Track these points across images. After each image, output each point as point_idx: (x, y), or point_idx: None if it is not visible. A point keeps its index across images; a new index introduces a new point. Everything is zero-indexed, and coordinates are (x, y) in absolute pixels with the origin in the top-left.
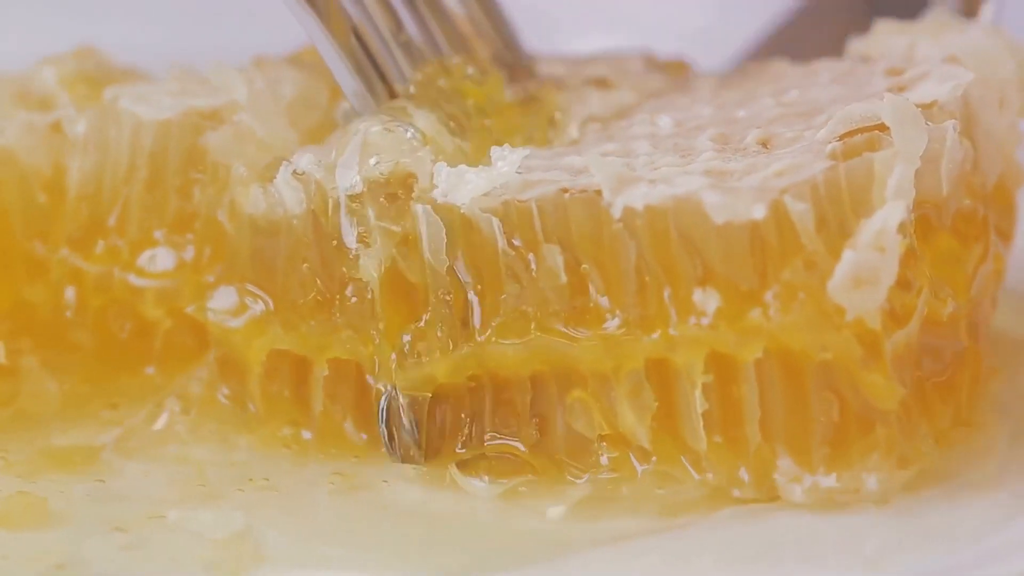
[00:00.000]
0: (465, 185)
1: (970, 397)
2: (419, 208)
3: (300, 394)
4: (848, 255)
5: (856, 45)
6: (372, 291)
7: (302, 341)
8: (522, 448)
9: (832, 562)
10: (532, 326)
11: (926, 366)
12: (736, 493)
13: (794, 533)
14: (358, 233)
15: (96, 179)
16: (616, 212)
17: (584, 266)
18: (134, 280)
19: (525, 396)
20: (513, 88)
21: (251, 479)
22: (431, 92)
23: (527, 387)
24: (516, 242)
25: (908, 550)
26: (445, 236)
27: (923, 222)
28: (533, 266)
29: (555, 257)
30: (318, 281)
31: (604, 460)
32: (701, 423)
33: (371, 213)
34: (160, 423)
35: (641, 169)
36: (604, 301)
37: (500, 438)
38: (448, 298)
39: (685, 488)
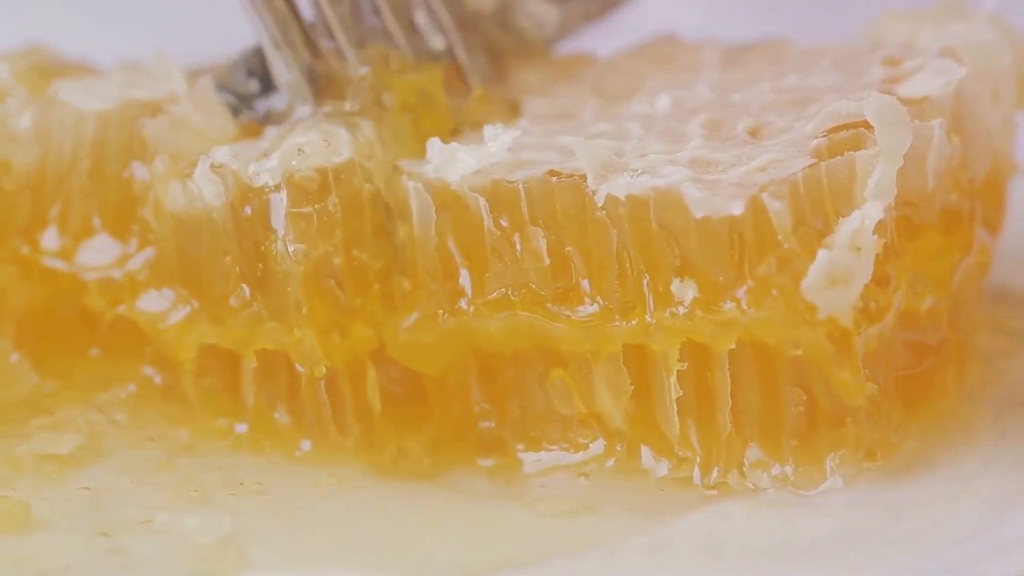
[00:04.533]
0: (456, 163)
1: (954, 388)
2: (410, 185)
3: (233, 387)
4: (823, 254)
5: (862, 28)
6: (293, 279)
7: (229, 335)
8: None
9: (818, 563)
10: (516, 305)
11: (904, 359)
12: (696, 479)
13: (779, 533)
14: (285, 222)
15: (39, 170)
16: (599, 199)
17: (568, 249)
18: (79, 272)
19: (508, 373)
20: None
21: (243, 483)
22: (372, 106)
23: (510, 364)
24: (503, 223)
25: (894, 550)
26: (434, 213)
27: (906, 218)
28: (518, 246)
29: (539, 239)
30: (237, 269)
31: (581, 440)
32: (675, 409)
33: (287, 203)
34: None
35: (629, 154)
36: (586, 285)
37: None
38: (435, 274)
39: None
